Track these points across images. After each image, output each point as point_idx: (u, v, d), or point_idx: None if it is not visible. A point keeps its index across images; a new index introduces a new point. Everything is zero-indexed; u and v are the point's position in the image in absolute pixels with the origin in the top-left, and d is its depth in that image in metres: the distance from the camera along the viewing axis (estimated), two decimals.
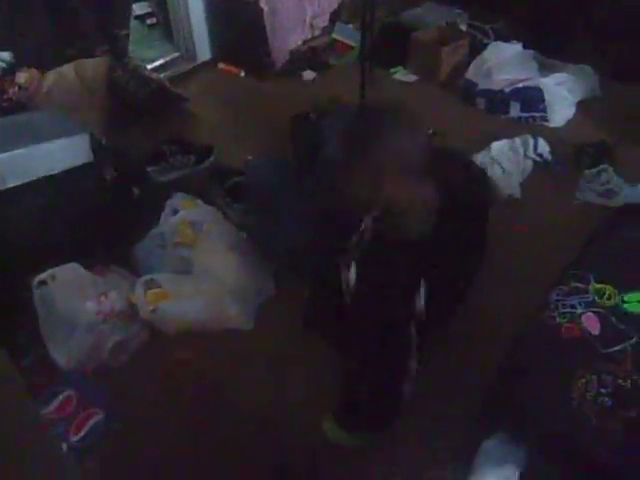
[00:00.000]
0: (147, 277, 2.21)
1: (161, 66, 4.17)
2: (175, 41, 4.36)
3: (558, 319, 1.55)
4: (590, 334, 1.51)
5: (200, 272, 2.24)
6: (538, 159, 3.13)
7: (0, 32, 3.24)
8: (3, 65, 3.21)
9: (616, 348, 1.47)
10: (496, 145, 3.11)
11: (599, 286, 1.64)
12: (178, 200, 2.51)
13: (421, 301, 1.60)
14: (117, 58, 3.53)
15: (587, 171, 3.02)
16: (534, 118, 3.53)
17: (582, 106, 3.64)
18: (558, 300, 1.60)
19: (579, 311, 1.57)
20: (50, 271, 2.19)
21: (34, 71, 3.20)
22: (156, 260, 2.37)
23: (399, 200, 1.58)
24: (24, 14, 3.28)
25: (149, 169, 2.97)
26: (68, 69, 3.21)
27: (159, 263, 2.35)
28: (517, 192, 2.94)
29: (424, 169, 1.58)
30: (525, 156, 3.09)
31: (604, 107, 3.63)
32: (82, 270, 2.24)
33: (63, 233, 2.36)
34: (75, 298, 2.16)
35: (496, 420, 1.60)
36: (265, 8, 3.78)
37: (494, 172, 2.98)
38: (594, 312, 1.57)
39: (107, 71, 3.33)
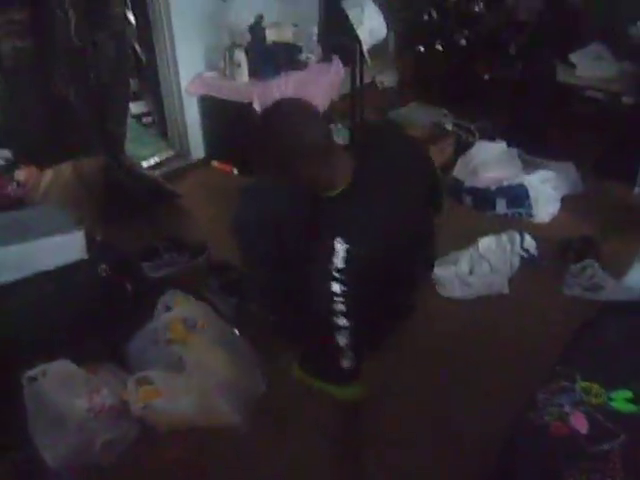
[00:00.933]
0: (140, 374, 2.22)
1: (156, 164, 4.29)
2: (170, 139, 4.50)
3: (546, 417, 1.57)
4: (578, 433, 1.52)
5: (192, 369, 2.25)
6: (525, 255, 3.19)
7: (0, 130, 3.34)
8: (2, 162, 3.30)
9: (604, 447, 1.48)
10: (483, 241, 3.18)
11: (585, 384, 1.66)
12: (171, 297, 2.54)
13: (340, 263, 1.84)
14: (114, 156, 3.63)
15: (573, 266, 3.08)
16: (520, 214, 3.63)
17: (566, 202, 3.75)
18: (546, 399, 1.62)
19: (566, 410, 1.59)
20: (41, 367, 2.18)
21: (33, 169, 3.28)
22: (149, 356, 2.38)
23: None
24: (24, 113, 3.40)
25: (143, 265, 3.01)
26: (66, 167, 3.29)
27: (152, 359, 2.35)
28: (505, 288, 2.99)
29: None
30: (512, 252, 3.16)
31: (587, 202, 3.75)
32: (73, 366, 2.25)
33: (56, 328, 2.37)
34: (66, 395, 2.15)
35: None
36: (259, 110, 3.91)
37: (482, 268, 3.04)
38: (581, 411, 1.59)
39: (103, 169, 3.42)
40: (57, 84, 3.42)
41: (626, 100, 4.14)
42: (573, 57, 4.35)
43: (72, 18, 3.39)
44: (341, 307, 1.83)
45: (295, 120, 1.87)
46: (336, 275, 1.81)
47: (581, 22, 4.65)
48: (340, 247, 1.80)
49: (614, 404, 1.62)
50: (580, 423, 1.55)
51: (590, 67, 4.28)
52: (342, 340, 1.87)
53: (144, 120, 4.92)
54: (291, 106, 1.95)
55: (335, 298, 1.83)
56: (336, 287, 1.82)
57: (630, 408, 1.62)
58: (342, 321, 1.85)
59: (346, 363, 1.91)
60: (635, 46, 4.07)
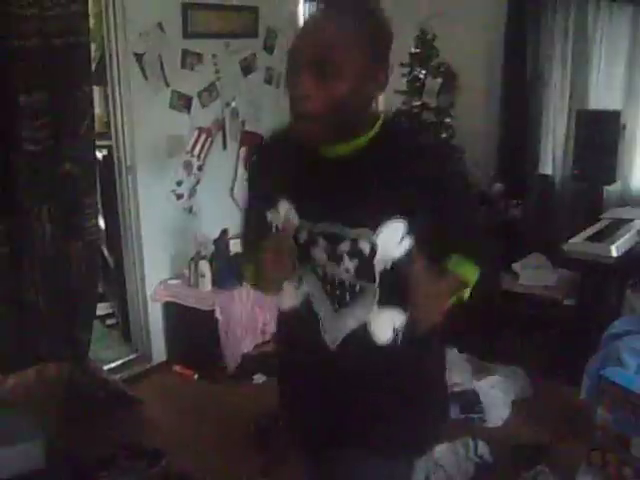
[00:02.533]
0: None
1: (117, 367, 4.33)
2: (132, 342, 4.57)
3: None
4: None
5: None
6: (479, 461, 3.25)
7: None
8: None
9: None
10: (438, 448, 3.23)
11: None
12: None
13: None
14: (77, 361, 3.69)
15: (525, 473, 3.13)
16: (473, 419, 3.71)
17: (517, 406, 3.84)
18: None
19: None
20: None
21: None
22: None
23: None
24: None
25: (100, 475, 2.98)
26: (30, 373, 3.35)
27: None
28: None
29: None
30: (467, 459, 3.22)
31: (537, 406, 3.85)
32: None
33: None
34: None
35: None
36: (220, 318, 4.09)
37: (437, 476, 3.08)
38: None
39: (67, 375, 3.47)
40: (28, 291, 3.55)
41: (567, 303, 4.40)
42: (516, 266, 4.66)
43: (48, 230, 3.60)
44: None
45: None
46: None
47: (521, 234, 5.04)
48: None
49: None
50: None
51: (532, 275, 4.57)
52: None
53: (107, 321, 5.04)
54: None
55: None
56: None
57: None
58: None
59: None
60: (569, 259, 4.38)
